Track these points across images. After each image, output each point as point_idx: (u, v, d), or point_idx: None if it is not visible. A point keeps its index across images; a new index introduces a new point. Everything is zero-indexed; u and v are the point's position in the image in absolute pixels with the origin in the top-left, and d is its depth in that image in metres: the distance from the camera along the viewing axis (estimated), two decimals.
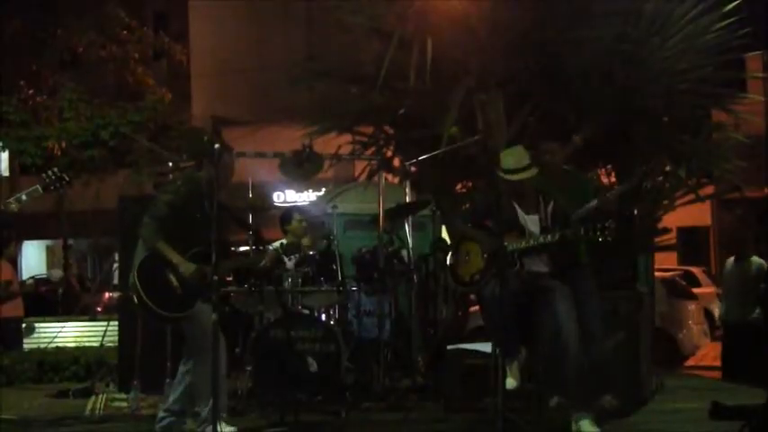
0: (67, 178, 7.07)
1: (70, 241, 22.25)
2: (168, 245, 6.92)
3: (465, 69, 10.18)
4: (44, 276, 17.24)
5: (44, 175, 6.99)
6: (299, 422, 7.62)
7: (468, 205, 9.81)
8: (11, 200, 6.88)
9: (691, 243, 24.48)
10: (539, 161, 7.73)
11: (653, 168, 10.48)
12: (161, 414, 7.34)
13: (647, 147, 10.28)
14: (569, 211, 7.35)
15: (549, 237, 7.08)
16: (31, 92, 20.22)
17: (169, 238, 6.94)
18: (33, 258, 26.46)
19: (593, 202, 7.59)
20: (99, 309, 17.14)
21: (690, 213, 12.24)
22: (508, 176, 7.23)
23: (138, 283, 6.87)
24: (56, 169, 7.05)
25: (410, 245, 9.97)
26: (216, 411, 6.64)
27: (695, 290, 18.25)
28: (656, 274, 11.80)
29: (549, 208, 7.27)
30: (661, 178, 10.79)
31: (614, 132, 10.11)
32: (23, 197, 6.86)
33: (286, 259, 8.84)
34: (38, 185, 6.93)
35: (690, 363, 15.77)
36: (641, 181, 9.36)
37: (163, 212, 6.99)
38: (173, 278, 6.89)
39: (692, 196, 10.74)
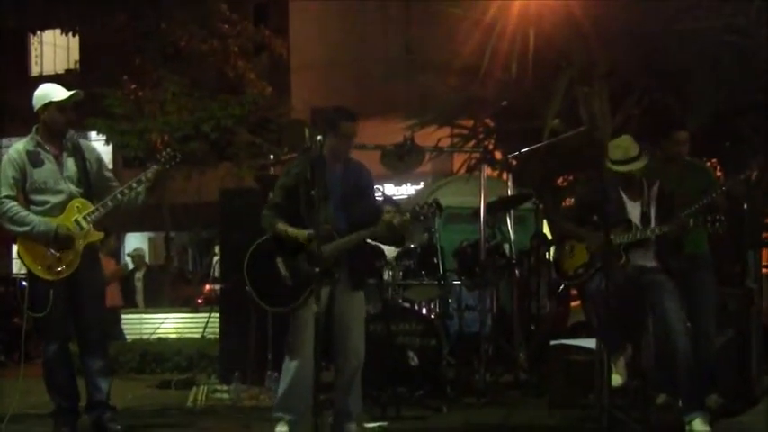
0: (179, 156, 7.12)
1: (172, 234, 22.51)
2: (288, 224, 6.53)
3: (567, 61, 10.04)
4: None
5: (158, 155, 7.09)
6: (401, 416, 7.58)
7: (571, 200, 9.69)
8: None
9: None
10: (669, 151, 7.61)
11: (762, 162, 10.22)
12: None
13: (755, 140, 10.02)
14: (690, 202, 7.18)
15: (657, 229, 6.94)
16: (134, 86, 20.46)
17: (291, 222, 6.53)
18: None
19: (710, 197, 7.40)
20: (200, 300, 17.34)
21: None
22: (618, 168, 7.07)
23: (246, 274, 6.66)
24: (169, 149, 7.15)
25: (512, 239, 9.87)
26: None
27: None
28: (766, 270, 11.49)
29: (654, 191, 7.12)
30: None
31: (721, 125, 9.88)
32: (149, 174, 7.00)
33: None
34: (155, 165, 7.03)
35: None
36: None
37: (277, 198, 6.66)
38: (282, 269, 6.56)
39: None
